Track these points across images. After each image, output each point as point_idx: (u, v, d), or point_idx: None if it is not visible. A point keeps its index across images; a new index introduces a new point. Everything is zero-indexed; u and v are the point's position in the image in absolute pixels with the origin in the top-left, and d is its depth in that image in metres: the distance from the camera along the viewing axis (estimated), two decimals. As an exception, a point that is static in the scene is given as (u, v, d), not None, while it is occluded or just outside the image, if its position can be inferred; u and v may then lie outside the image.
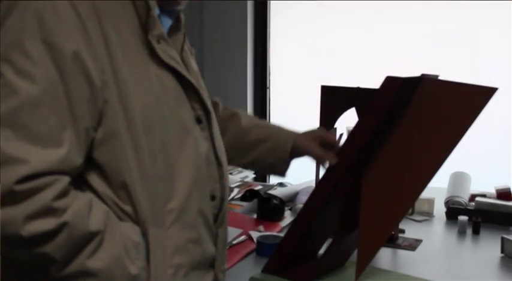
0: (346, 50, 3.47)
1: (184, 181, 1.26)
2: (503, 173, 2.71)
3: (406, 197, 1.56)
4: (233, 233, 1.95)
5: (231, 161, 1.60)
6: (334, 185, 1.58)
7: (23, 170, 1.03)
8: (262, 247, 1.87)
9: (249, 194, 2.49)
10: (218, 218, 1.39)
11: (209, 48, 3.46)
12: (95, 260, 1.12)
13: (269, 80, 3.66)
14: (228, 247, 1.83)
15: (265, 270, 1.69)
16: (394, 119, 1.56)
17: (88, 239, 1.11)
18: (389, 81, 1.49)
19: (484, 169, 2.72)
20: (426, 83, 1.53)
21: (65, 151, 1.08)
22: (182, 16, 1.40)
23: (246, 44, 3.58)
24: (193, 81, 1.31)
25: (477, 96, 1.47)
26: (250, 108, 3.66)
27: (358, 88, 1.81)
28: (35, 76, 1.06)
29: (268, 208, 2.19)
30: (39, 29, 1.07)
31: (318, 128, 1.70)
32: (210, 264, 1.38)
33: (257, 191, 2.51)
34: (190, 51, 1.49)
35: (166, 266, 1.23)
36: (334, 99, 1.89)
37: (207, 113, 1.35)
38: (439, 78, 1.63)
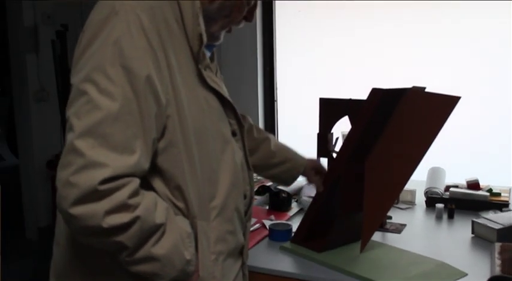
0: (342, 66, 3.38)
1: (224, 184, 1.28)
2: (472, 167, 2.70)
3: (396, 184, 1.62)
4: None
5: (255, 171, 1.69)
6: (338, 176, 1.64)
7: (105, 173, 1.04)
8: (274, 233, 1.89)
9: (261, 189, 2.48)
10: (247, 214, 1.42)
11: (226, 69, 3.44)
12: (158, 248, 1.13)
13: (276, 94, 3.63)
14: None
15: (293, 241, 1.79)
16: (386, 122, 1.59)
17: (154, 230, 1.12)
18: (373, 92, 1.53)
19: (456, 164, 2.71)
20: (409, 93, 1.56)
21: (137, 158, 1.09)
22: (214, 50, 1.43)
23: (257, 65, 3.56)
24: (231, 101, 1.33)
25: (446, 104, 1.50)
26: (261, 118, 3.63)
27: (350, 99, 1.81)
28: (114, 95, 1.07)
29: (277, 200, 2.21)
30: (118, 56, 1.08)
31: (315, 161, 1.88)
32: (240, 251, 1.39)
33: (268, 186, 2.49)
34: (219, 71, 1.50)
35: (210, 253, 1.24)
36: (330, 110, 1.88)
37: (240, 127, 1.37)
38: (425, 89, 1.65)
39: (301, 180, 2.52)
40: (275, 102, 3.65)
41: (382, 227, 2.02)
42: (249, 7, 1.32)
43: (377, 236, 1.93)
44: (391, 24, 3.24)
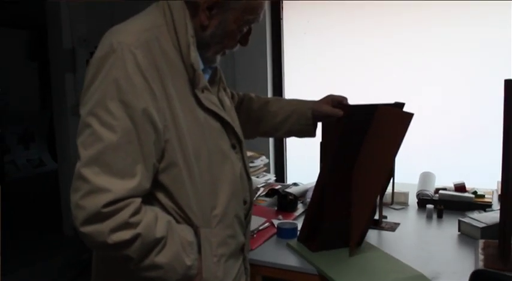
0: (345, 74, 3.35)
1: (224, 194, 1.27)
2: (459, 172, 2.70)
3: (374, 190, 1.58)
4: (259, 221, 1.96)
5: (272, 135, 1.70)
6: (323, 185, 1.62)
7: (108, 197, 1.06)
8: (281, 231, 1.89)
9: (271, 192, 2.47)
10: (247, 216, 1.40)
11: (239, 78, 3.44)
12: (161, 257, 1.15)
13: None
14: (256, 232, 1.87)
15: (298, 239, 1.77)
16: (364, 135, 1.59)
17: (155, 243, 1.14)
18: (344, 106, 1.56)
19: (444, 169, 2.71)
20: (379, 110, 1.56)
21: (137, 181, 1.10)
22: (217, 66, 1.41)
23: (267, 78, 3.55)
24: (229, 120, 1.30)
25: (404, 119, 1.48)
26: None
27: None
28: (114, 127, 1.08)
29: (285, 202, 2.20)
30: (117, 92, 1.09)
31: (328, 95, 1.66)
32: (241, 250, 1.39)
33: (277, 189, 2.48)
34: (224, 86, 1.45)
35: (212, 256, 1.24)
36: (332, 121, 1.85)
37: (239, 141, 1.35)
38: (404, 105, 1.66)
39: (305, 183, 2.53)
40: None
41: (378, 225, 2.01)
42: (243, 33, 1.30)
43: (374, 234, 1.92)
44: (394, 33, 3.21)
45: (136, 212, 1.10)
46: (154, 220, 1.14)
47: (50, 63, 4.53)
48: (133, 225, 1.10)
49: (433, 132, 3.06)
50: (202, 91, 1.24)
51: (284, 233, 1.88)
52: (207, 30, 1.23)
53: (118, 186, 1.08)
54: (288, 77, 3.63)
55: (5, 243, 4.44)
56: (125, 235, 1.09)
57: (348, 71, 3.36)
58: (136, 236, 1.10)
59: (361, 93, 3.10)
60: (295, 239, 1.80)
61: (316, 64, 3.47)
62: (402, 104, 1.63)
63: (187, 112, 1.20)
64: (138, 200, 1.12)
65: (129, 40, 1.13)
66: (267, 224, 1.99)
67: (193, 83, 1.22)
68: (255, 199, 1.85)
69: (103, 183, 1.07)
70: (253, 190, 1.46)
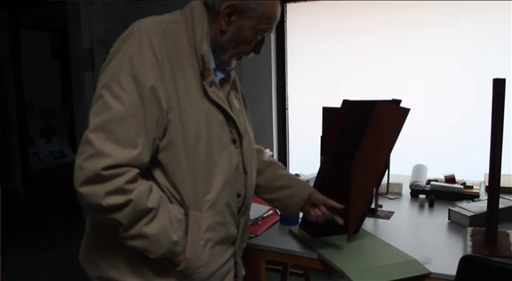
0: (345, 78, 3.33)
1: (218, 182, 1.26)
2: (449, 164, 2.69)
3: (371, 181, 1.57)
4: (264, 209, 1.96)
5: (258, 194, 1.59)
6: (323, 176, 1.61)
7: (108, 161, 1.08)
8: (284, 218, 1.88)
9: None
10: (241, 210, 1.38)
11: (246, 83, 3.47)
12: (149, 228, 1.15)
13: (287, 103, 3.60)
14: (260, 219, 1.88)
15: (299, 226, 1.76)
16: (363, 130, 1.58)
17: (146, 212, 1.14)
18: (343, 103, 1.54)
19: (436, 162, 2.70)
20: (377, 105, 1.56)
21: (138, 152, 1.12)
22: (232, 73, 1.42)
23: (271, 80, 3.55)
24: (232, 114, 1.31)
25: (401, 114, 1.48)
26: (274, 124, 3.60)
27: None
28: (123, 99, 1.12)
29: None
30: (130, 68, 1.13)
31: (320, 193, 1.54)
32: (232, 242, 1.36)
33: None
34: (243, 97, 1.48)
35: (199, 239, 1.23)
36: (332, 116, 1.84)
37: (240, 136, 1.34)
38: (401, 103, 1.65)
39: (307, 174, 2.53)
40: (286, 110, 3.64)
41: (374, 214, 2.00)
42: (257, 41, 1.32)
43: (370, 222, 1.92)
44: (391, 33, 3.18)
45: (132, 180, 1.12)
46: (148, 191, 1.15)
47: (71, 63, 4.55)
48: (128, 191, 1.11)
49: (426, 127, 3.05)
50: (210, 85, 1.25)
51: (287, 220, 1.87)
52: (225, 34, 1.26)
53: (119, 153, 1.10)
54: (291, 79, 3.63)
55: (30, 226, 4.49)
56: (119, 199, 1.10)
57: (346, 70, 3.35)
58: (128, 202, 1.11)
59: (360, 91, 3.12)
60: (297, 226, 1.80)
61: (318, 66, 3.46)
62: (399, 101, 1.63)
63: (193, 100, 1.22)
64: (136, 171, 1.13)
65: (148, 27, 1.19)
66: (270, 211, 1.99)
67: (202, 75, 1.24)
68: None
69: (106, 148, 1.09)
70: (251, 185, 1.40)
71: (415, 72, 3.12)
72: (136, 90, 1.12)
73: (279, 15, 1.30)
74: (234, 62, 1.34)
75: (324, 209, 1.49)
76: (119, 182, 1.09)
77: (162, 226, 1.17)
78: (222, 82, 1.35)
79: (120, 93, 1.12)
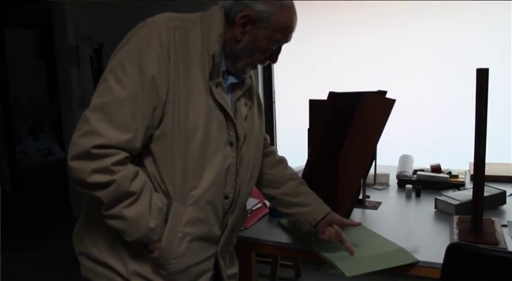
0: (331, 71, 3.34)
1: (207, 180, 1.25)
2: (435, 154, 2.71)
3: (358, 172, 1.58)
4: (253, 202, 1.95)
5: (273, 205, 1.60)
6: (311, 168, 1.62)
7: (99, 140, 1.12)
8: (273, 211, 1.87)
9: None
10: (229, 212, 1.36)
11: None
12: (128, 211, 1.16)
13: (274, 97, 3.61)
14: (250, 212, 1.86)
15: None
16: (350, 122, 1.58)
17: (127, 195, 1.16)
18: (329, 95, 1.54)
19: (422, 152, 2.72)
20: (364, 97, 1.56)
21: (130, 136, 1.15)
22: (249, 82, 1.40)
23: (258, 73, 3.53)
24: (233, 116, 1.30)
25: (387, 105, 1.49)
26: None
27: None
28: (125, 85, 1.15)
29: None
30: (136, 56, 1.17)
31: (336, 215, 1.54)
32: (215, 242, 1.34)
33: None
34: (259, 105, 1.47)
35: (178, 231, 1.23)
36: (318, 109, 1.84)
37: (238, 139, 1.33)
38: (386, 94, 1.65)
39: (297, 166, 2.53)
40: (273, 104, 3.65)
41: (362, 204, 2.01)
42: (272, 50, 1.32)
43: (358, 212, 1.92)
44: (381, 32, 3.19)
45: (119, 162, 1.14)
46: (132, 175, 1.17)
47: (56, 60, 4.49)
48: (113, 172, 1.13)
49: (411, 118, 3.06)
50: (216, 86, 1.27)
51: (276, 212, 1.82)
52: (239, 43, 1.28)
53: (112, 135, 1.13)
54: (277, 72, 3.62)
55: (19, 224, 4.45)
56: (103, 178, 1.13)
57: (332, 63, 3.35)
58: (111, 182, 1.13)
59: (346, 83, 3.12)
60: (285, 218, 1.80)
61: (304, 58, 3.46)
62: (385, 92, 1.63)
63: (196, 97, 1.23)
64: (125, 154, 1.16)
65: (161, 21, 1.22)
66: (260, 204, 1.99)
67: (211, 75, 1.25)
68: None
69: (100, 128, 1.13)
70: (244, 192, 1.38)
71: (400, 64, 3.13)
72: (139, 78, 1.16)
73: (295, 26, 1.30)
74: (249, 71, 1.35)
75: (337, 228, 1.51)
76: (106, 162, 1.12)
77: (141, 211, 1.18)
78: (234, 87, 1.36)
79: (123, 79, 1.15)
